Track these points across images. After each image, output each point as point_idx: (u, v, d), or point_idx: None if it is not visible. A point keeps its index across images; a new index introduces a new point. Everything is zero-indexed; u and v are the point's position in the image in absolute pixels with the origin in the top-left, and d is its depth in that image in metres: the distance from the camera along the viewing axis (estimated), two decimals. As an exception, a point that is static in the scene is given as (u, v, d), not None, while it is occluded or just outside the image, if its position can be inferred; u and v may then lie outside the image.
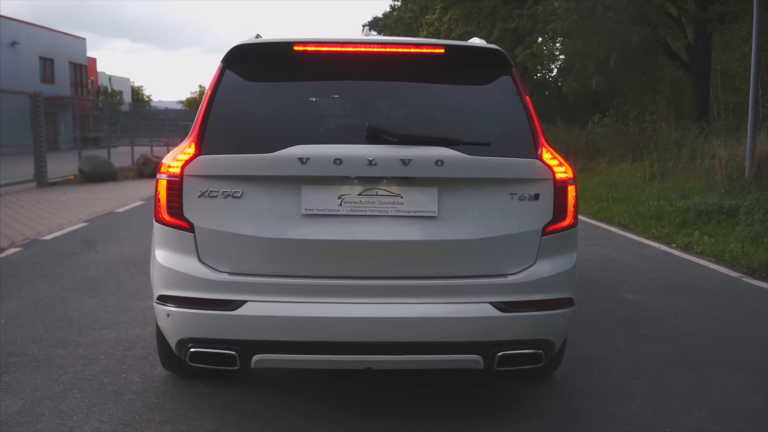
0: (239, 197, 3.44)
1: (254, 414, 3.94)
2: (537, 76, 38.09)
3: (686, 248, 9.11)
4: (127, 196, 15.11)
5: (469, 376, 4.43)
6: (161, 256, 3.59)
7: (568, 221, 3.62)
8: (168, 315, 3.52)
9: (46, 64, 46.12)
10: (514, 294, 3.49)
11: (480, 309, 3.44)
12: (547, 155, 3.59)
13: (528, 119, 3.67)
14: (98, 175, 18.93)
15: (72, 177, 18.73)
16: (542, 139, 3.64)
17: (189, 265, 3.48)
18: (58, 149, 27.17)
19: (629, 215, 11.67)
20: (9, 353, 4.85)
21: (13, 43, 41.12)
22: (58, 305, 6.10)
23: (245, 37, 4.04)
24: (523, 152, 3.58)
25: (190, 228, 3.48)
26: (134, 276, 7.20)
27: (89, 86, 54.51)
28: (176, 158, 3.50)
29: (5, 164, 16.20)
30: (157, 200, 3.55)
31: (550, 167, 3.56)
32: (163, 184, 3.51)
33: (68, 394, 4.18)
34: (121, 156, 24.18)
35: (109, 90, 60.75)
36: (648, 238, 10.05)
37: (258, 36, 4.07)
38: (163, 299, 3.55)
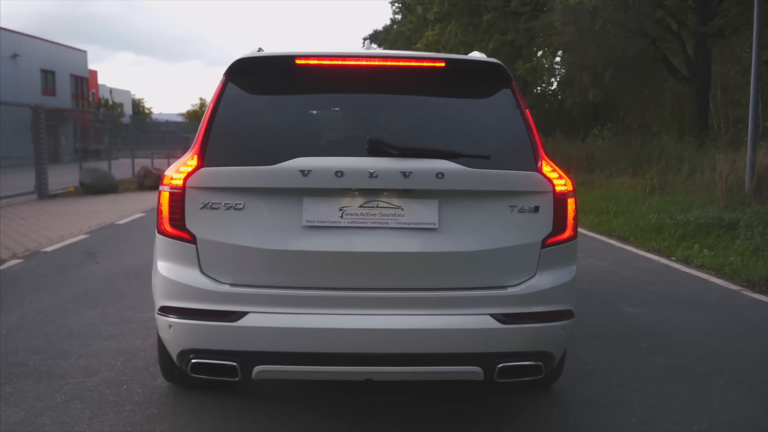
0: (241, 209, 3.46)
1: (254, 425, 3.95)
2: (537, 89, 38.22)
3: (686, 261, 9.12)
4: (127, 208, 15.13)
5: (469, 388, 4.45)
6: (163, 267, 3.59)
7: (567, 234, 3.63)
8: (170, 326, 3.53)
9: (47, 76, 46.22)
10: (514, 306, 3.49)
11: (480, 321, 3.44)
12: (546, 168, 3.61)
13: (528, 132, 3.70)
14: (99, 187, 18.95)
15: (73, 189, 18.76)
16: (542, 152, 3.66)
17: (191, 276, 3.49)
18: (59, 161, 27.21)
19: (629, 228, 11.69)
20: (11, 364, 4.87)
21: (14, 56, 41.23)
22: (59, 316, 6.11)
23: (248, 50, 4.08)
24: (523, 165, 3.60)
25: (192, 239, 3.49)
26: (135, 288, 7.21)
27: (90, 99, 54.64)
28: (179, 170, 3.52)
29: (6, 176, 16.24)
30: (159, 212, 3.57)
31: (549, 180, 3.58)
32: (165, 196, 3.53)
33: (70, 405, 4.19)
34: (122, 168, 24.21)
35: (110, 102, 60.87)
36: (648, 251, 10.06)
37: (260, 49, 4.11)
38: (165, 310, 3.56)
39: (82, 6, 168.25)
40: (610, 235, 11.56)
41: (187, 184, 3.48)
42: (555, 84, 39.20)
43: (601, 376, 4.80)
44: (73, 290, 7.15)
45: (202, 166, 3.50)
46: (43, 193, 17.21)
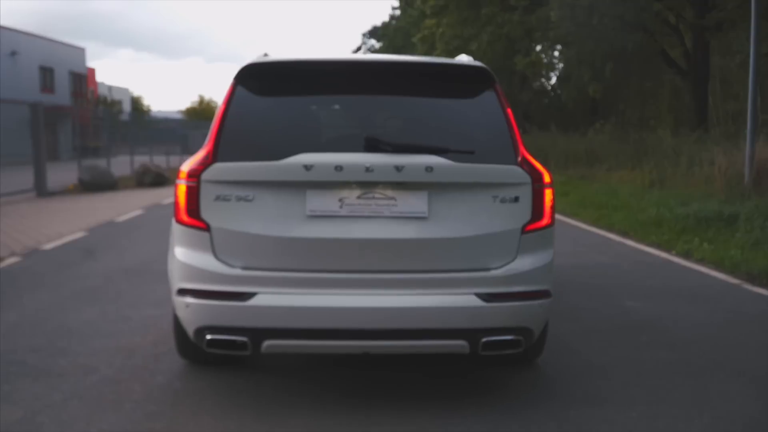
0: (251, 200, 3.84)
1: (255, 421, 3.94)
2: (536, 84, 38.15)
3: (686, 255, 9.10)
4: (126, 206, 15.12)
5: (469, 376, 4.46)
6: (180, 253, 3.98)
7: (545, 221, 4.04)
8: (187, 306, 3.91)
9: (46, 73, 46.20)
10: (497, 286, 3.89)
11: (466, 299, 3.84)
12: (526, 162, 4.01)
13: (509, 130, 4.09)
14: (98, 184, 18.94)
15: (72, 186, 18.74)
16: (522, 148, 4.05)
17: (206, 260, 3.88)
18: (58, 159, 27.16)
19: (629, 222, 11.65)
20: (9, 362, 4.85)
21: (13, 53, 41.21)
22: (58, 314, 6.10)
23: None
24: (504, 159, 4.00)
25: (207, 228, 3.88)
26: (134, 285, 7.19)
27: (89, 96, 54.58)
28: (194, 166, 3.92)
29: (5, 174, 16.20)
30: (176, 203, 3.96)
31: (528, 173, 3.98)
32: (182, 189, 3.92)
33: (68, 403, 4.18)
34: (121, 165, 24.18)
35: (109, 100, 60.83)
36: (648, 245, 10.04)
37: (266, 54, 4.46)
38: (182, 292, 3.94)
39: (82, 3, 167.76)
40: (609, 230, 11.54)
41: (202, 178, 3.87)
42: (554, 79, 39.13)
43: (601, 370, 4.79)
44: (72, 288, 7.14)
45: (215, 162, 3.89)
46: (41, 190, 17.20)
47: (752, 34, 12.85)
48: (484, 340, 3.85)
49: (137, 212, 13.97)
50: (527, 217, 3.97)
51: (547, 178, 4.04)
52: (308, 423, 3.93)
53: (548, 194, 4.04)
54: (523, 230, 3.97)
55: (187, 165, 3.98)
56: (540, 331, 4.22)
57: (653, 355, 5.09)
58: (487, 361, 4.68)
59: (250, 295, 3.79)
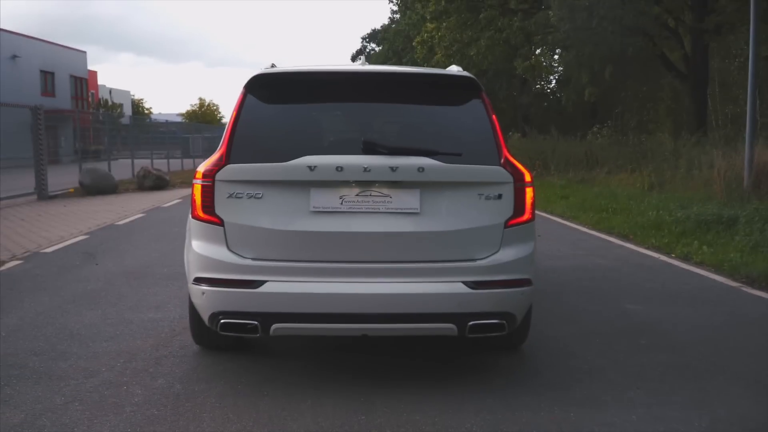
0: (260, 198, 4.24)
1: (254, 425, 3.95)
2: (536, 87, 38.18)
3: (685, 258, 9.11)
4: (127, 209, 15.13)
5: (467, 383, 4.47)
6: (197, 245, 4.37)
7: (526, 217, 4.42)
8: (203, 293, 4.31)
9: (47, 77, 46.20)
10: (482, 275, 4.27)
11: (454, 287, 4.23)
12: (508, 163, 4.39)
13: (493, 134, 4.48)
14: (98, 187, 18.92)
15: (72, 190, 18.75)
16: (505, 150, 4.45)
17: (220, 252, 4.27)
18: (59, 162, 27.15)
19: (628, 225, 11.65)
20: (10, 366, 4.86)
21: (14, 57, 41.22)
22: (59, 318, 6.11)
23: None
24: (489, 161, 4.39)
25: (221, 223, 4.27)
26: (135, 288, 7.21)
27: (90, 99, 54.57)
28: (209, 167, 4.31)
29: (6, 177, 16.22)
30: (193, 201, 4.39)
31: (510, 173, 4.36)
32: (198, 188, 4.33)
33: (69, 407, 4.19)
34: (122, 168, 24.16)
35: (110, 103, 60.81)
36: (647, 248, 10.05)
37: (273, 65, 4.94)
38: (199, 280, 4.34)
39: (83, 7, 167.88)
40: (609, 233, 11.53)
41: (216, 178, 4.27)
42: (554, 82, 39.15)
43: (601, 373, 4.80)
44: (73, 291, 7.15)
45: (228, 164, 4.29)
46: (42, 194, 17.20)
47: (751, 37, 12.88)
48: (471, 323, 4.23)
49: (138, 215, 13.98)
50: (510, 212, 4.36)
51: (527, 178, 4.42)
52: (308, 425, 3.95)
53: (529, 192, 4.42)
54: (506, 224, 4.36)
55: (203, 166, 4.37)
56: (522, 316, 4.56)
57: (653, 358, 5.10)
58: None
59: (260, 283, 4.17)
